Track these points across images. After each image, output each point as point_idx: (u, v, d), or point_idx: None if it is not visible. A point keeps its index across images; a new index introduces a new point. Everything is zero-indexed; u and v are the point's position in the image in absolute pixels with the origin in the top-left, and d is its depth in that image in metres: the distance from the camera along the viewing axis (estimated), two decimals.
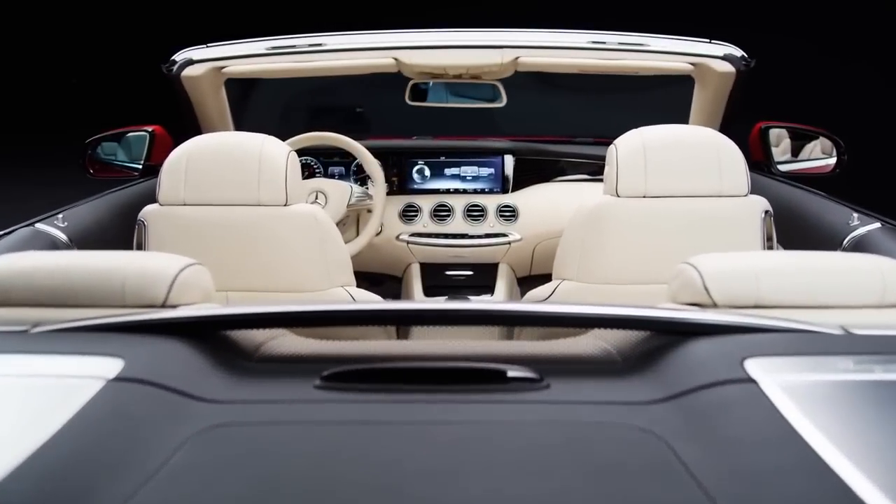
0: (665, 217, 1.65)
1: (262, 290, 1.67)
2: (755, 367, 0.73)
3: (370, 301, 1.80)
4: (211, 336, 0.86)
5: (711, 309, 0.91)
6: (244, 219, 1.63)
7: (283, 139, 2.53)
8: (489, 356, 0.87)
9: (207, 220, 1.63)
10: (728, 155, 1.67)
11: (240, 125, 2.84)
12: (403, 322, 0.90)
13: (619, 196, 1.67)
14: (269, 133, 3.11)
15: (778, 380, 0.71)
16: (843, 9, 5.04)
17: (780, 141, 2.86)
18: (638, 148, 1.67)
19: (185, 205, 1.64)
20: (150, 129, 2.63)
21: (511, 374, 0.76)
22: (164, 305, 0.92)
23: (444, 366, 0.78)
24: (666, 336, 0.84)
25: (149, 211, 1.67)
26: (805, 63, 4.82)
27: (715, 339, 0.81)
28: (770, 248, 1.67)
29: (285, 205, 1.64)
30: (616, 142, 1.73)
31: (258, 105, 3.48)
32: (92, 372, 0.73)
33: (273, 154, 1.65)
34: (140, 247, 1.67)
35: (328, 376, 0.75)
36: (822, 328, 0.85)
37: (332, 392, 0.74)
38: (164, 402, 0.70)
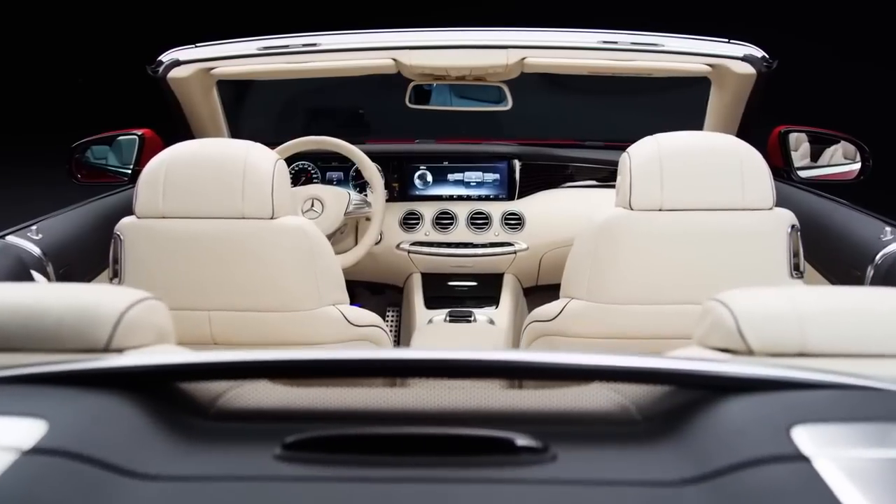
0: (683, 232, 1.52)
1: (246, 310, 1.55)
2: (805, 438, 0.60)
3: (364, 318, 1.68)
4: (161, 388, 0.73)
5: (747, 358, 0.78)
6: (227, 233, 1.51)
7: (281, 142, 2.43)
8: (484, 412, 0.74)
9: (187, 234, 1.51)
10: (751, 164, 1.53)
11: (235, 128, 2.74)
12: (396, 374, 0.76)
13: (632, 209, 1.54)
14: (266, 136, 2.98)
15: (834, 455, 0.58)
16: (856, 8, 4.90)
17: (798, 145, 2.73)
18: (653, 157, 1.54)
19: (163, 217, 1.52)
20: (139, 132, 2.52)
21: (509, 442, 0.63)
22: (106, 349, 0.79)
23: (426, 432, 0.65)
24: (694, 390, 0.72)
25: (125, 224, 1.55)
26: (816, 64, 4.67)
27: (754, 397, 0.67)
28: (797, 265, 1.54)
29: (272, 218, 1.52)
30: (629, 150, 1.60)
31: (254, 107, 3.37)
32: (3, 441, 0.61)
33: (259, 163, 1.53)
34: (116, 262, 1.55)
35: (292, 444, 0.63)
36: (887, 384, 0.71)
37: (295, 465, 0.62)
38: (89, 484, 0.57)
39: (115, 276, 1.56)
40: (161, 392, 0.73)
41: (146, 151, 2.51)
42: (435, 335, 2.19)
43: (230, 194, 1.51)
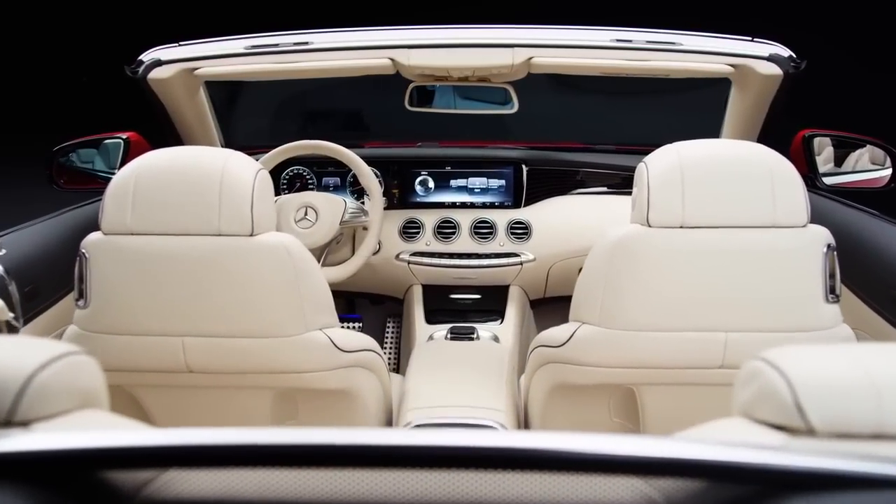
0: (706, 252, 1.37)
1: (223, 336, 1.41)
2: None
3: (355, 342, 1.54)
4: (73, 475, 0.59)
5: (808, 441, 0.63)
6: (202, 251, 1.37)
7: (275, 145, 2.29)
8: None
9: (158, 253, 1.37)
10: (783, 176, 1.38)
11: (227, 131, 2.60)
12: (379, 464, 0.61)
13: (650, 226, 1.39)
14: (261, 139, 2.85)
15: None
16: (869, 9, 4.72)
17: (821, 150, 2.57)
18: (673, 168, 1.39)
19: (132, 234, 1.38)
20: (124, 135, 2.39)
21: None
22: (9, 423, 0.65)
23: None
24: (742, 485, 0.57)
25: (91, 241, 1.41)
26: (829, 65, 4.48)
27: (819, 498, 0.53)
28: (832, 287, 1.39)
29: (251, 235, 1.38)
30: (647, 160, 1.45)
31: (248, 108, 3.23)
32: None
33: (237, 174, 1.39)
34: (81, 282, 1.41)
35: None
36: None
37: None
38: None
39: (81, 296, 1.43)
40: (74, 480, 0.58)
41: (132, 156, 2.37)
42: (434, 356, 2.05)
43: (205, 209, 1.36)
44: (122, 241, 1.38)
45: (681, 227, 1.38)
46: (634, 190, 1.48)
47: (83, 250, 1.41)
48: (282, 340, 1.42)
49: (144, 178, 1.39)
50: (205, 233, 1.37)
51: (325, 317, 1.49)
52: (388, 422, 1.75)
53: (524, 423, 1.77)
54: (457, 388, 1.80)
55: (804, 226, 1.38)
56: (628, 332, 1.41)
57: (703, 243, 1.37)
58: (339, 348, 1.47)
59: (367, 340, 1.61)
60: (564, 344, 1.48)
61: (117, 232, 1.39)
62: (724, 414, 1.51)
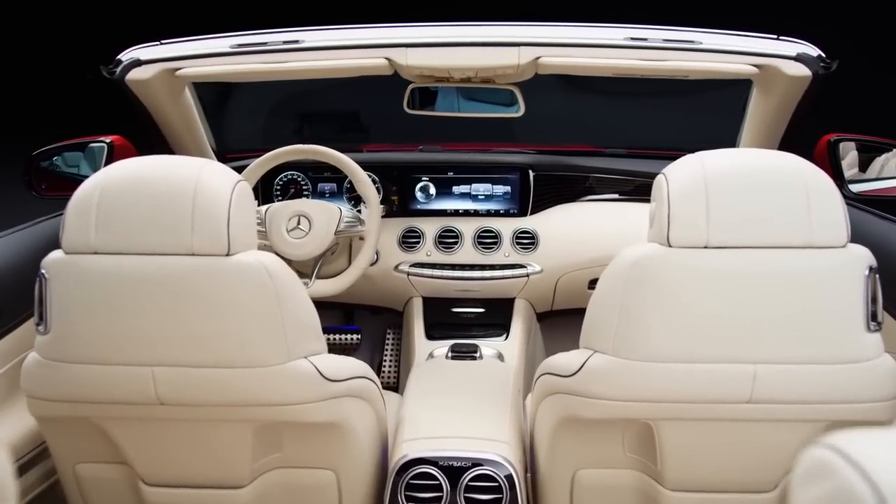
0: (733, 275, 1.23)
1: (197, 366, 1.27)
2: None
3: (345, 370, 1.40)
4: None
5: None
6: (173, 272, 1.24)
7: (269, 149, 2.16)
8: None
9: (125, 274, 1.24)
10: (819, 190, 1.24)
11: (220, 134, 2.47)
12: None
13: (670, 245, 1.25)
14: (254, 142, 2.70)
15: None
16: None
17: (845, 154, 2.43)
18: (696, 181, 1.25)
19: (95, 253, 1.25)
20: (108, 139, 2.26)
21: None
22: None
23: None
24: None
25: (51, 260, 1.28)
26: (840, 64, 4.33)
27: None
28: (874, 314, 1.25)
29: (227, 254, 1.25)
30: (666, 172, 1.31)
31: (240, 110, 3.10)
32: None
33: (212, 187, 1.25)
34: (41, 305, 1.28)
35: None
36: None
37: None
38: None
39: (41, 320, 1.30)
40: None
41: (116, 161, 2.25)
42: (433, 378, 1.91)
43: (176, 226, 1.23)
44: (84, 260, 1.25)
45: (705, 247, 1.24)
46: (652, 205, 1.34)
47: (43, 270, 1.28)
48: (262, 371, 1.29)
49: (109, 191, 1.25)
50: (176, 252, 1.24)
51: (311, 343, 1.35)
52: (384, 452, 1.61)
53: (530, 453, 1.63)
54: (457, 417, 1.67)
55: (843, 246, 1.24)
56: (646, 364, 1.27)
57: (729, 265, 1.23)
58: (326, 378, 1.34)
59: (360, 367, 1.47)
60: (574, 374, 1.34)
61: (79, 251, 1.26)
62: (751, 452, 1.37)
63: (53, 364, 1.30)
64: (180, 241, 1.23)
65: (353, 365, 1.45)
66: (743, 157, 1.29)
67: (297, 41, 1.82)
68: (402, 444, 1.56)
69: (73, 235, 1.26)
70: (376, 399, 1.53)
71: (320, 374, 1.33)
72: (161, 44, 1.85)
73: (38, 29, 5.90)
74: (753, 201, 1.23)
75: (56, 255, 1.28)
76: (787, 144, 2.16)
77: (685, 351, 1.26)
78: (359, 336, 2.73)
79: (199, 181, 1.25)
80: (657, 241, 1.28)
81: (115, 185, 1.26)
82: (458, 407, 1.71)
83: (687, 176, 1.27)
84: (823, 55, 1.76)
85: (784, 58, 1.76)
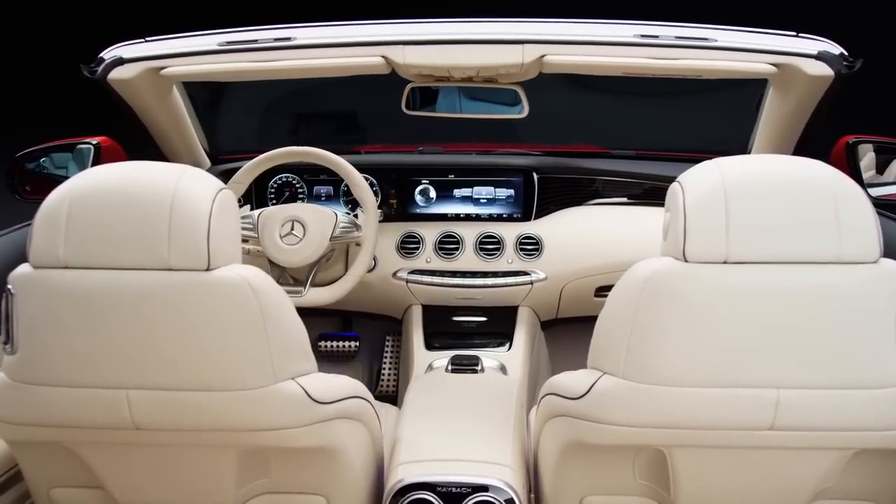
0: (756, 293, 1.13)
1: (175, 389, 1.19)
2: None
3: (336, 391, 1.31)
4: None
5: None
6: (148, 289, 1.15)
7: (263, 150, 2.06)
8: None
9: (96, 291, 1.15)
10: (849, 200, 1.14)
11: (213, 134, 2.39)
12: None
13: (686, 260, 1.15)
14: (249, 143, 2.59)
15: None
16: None
17: (862, 156, 2.34)
18: (715, 190, 1.15)
19: (65, 268, 1.16)
20: (94, 140, 2.17)
21: None
22: None
23: None
24: None
25: (18, 275, 1.19)
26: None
27: None
28: None
29: (207, 269, 1.16)
30: (682, 180, 1.21)
31: (233, 109, 3.01)
32: None
33: (191, 196, 1.16)
34: (7, 322, 1.20)
35: None
36: None
37: None
38: None
39: (8, 339, 1.21)
40: None
41: (103, 164, 2.17)
42: (432, 394, 1.82)
43: (152, 239, 1.14)
44: (53, 275, 1.16)
45: (724, 262, 1.14)
46: (666, 215, 1.24)
47: (9, 286, 1.19)
48: (245, 394, 1.20)
49: (80, 201, 1.16)
50: (152, 267, 1.15)
51: (299, 363, 1.26)
52: (379, 474, 1.52)
53: (534, 476, 1.54)
54: (457, 438, 1.57)
55: (875, 261, 1.14)
56: (659, 388, 1.18)
57: (751, 282, 1.13)
58: (315, 400, 1.25)
59: (353, 385, 1.38)
60: (582, 397, 1.25)
61: (48, 265, 1.17)
62: (771, 481, 1.28)
63: (22, 386, 1.21)
64: (156, 255, 1.14)
65: (345, 384, 1.36)
66: (765, 164, 1.19)
67: (288, 38, 1.74)
68: (397, 467, 1.47)
69: (41, 248, 1.17)
70: (371, 419, 1.44)
71: (308, 396, 1.24)
72: (146, 41, 1.76)
73: (38, 25, 5.83)
74: (777, 212, 1.13)
75: (23, 269, 1.19)
76: (799, 147, 2.06)
77: (702, 374, 1.16)
78: (357, 343, 2.65)
79: (178, 189, 1.16)
80: (672, 255, 1.18)
81: (86, 194, 1.17)
82: (457, 427, 1.62)
83: (704, 184, 1.17)
84: (846, 53, 1.67)
85: (805, 56, 1.66)
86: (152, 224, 1.14)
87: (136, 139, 2.17)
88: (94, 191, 1.17)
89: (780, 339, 1.14)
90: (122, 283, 1.15)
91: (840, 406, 1.17)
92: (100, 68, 1.75)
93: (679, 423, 1.19)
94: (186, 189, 1.17)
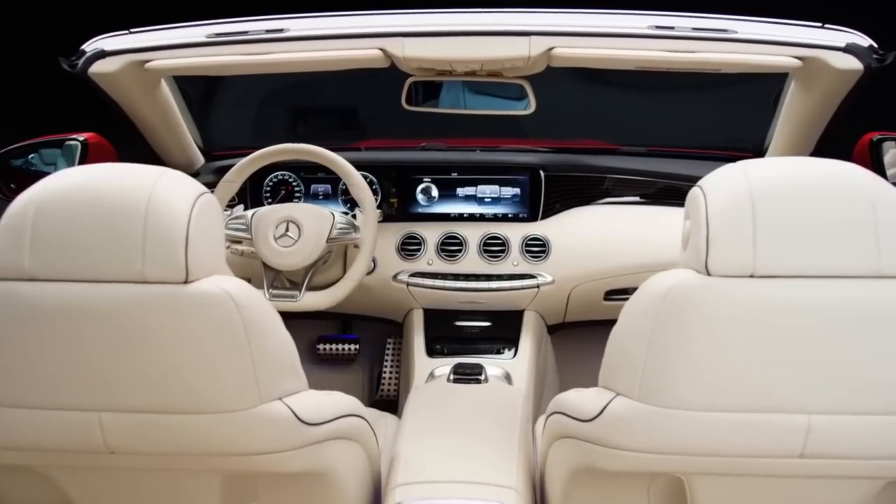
0: (785, 310, 1.03)
1: (151, 411, 1.09)
2: None
3: (328, 410, 1.22)
4: None
5: None
6: (121, 303, 1.05)
7: (258, 147, 1.97)
8: None
9: (64, 305, 1.06)
10: (889, 207, 1.04)
11: (207, 129, 2.30)
12: None
13: (709, 274, 1.05)
14: (244, 139, 2.48)
15: None
16: None
17: (885, 151, 2.24)
18: (741, 195, 1.05)
19: (31, 280, 1.07)
20: (81, 137, 2.09)
21: None
22: None
23: None
24: None
25: None
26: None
27: None
28: None
29: (185, 282, 1.06)
30: (703, 184, 1.11)
31: (227, 104, 2.91)
32: None
33: (168, 202, 1.07)
34: None
35: None
36: None
37: None
38: None
39: None
40: None
41: (89, 163, 2.08)
42: (433, 407, 1.73)
43: (125, 249, 1.05)
44: (17, 288, 1.07)
45: (751, 276, 1.04)
46: (686, 223, 1.14)
47: None
48: (228, 416, 1.10)
49: (47, 207, 1.07)
50: (125, 279, 1.05)
51: (287, 381, 1.17)
52: (376, 495, 1.43)
53: (540, 498, 1.45)
54: (458, 457, 1.48)
55: None
56: (678, 412, 1.08)
57: (780, 298, 1.03)
58: (304, 422, 1.15)
59: (346, 403, 1.29)
60: (593, 420, 1.15)
61: (12, 277, 1.07)
62: None
63: None
64: (129, 267, 1.05)
65: (338, 402, 1.27)
66: (795, 167, 1.09)
67: (281, 30, 1.64)
68: (395, 489, 1.38)
69: (4, 258, 1.07)
70: (367, 438, 1.35)
71: (297, 417, 1.15)
72: (130, 33, 1.67)
73: (37, 16, 5.75)
74: (809, 221, 1.03)
75: None
76: (819, 146, 1.96)
77: (726, 398, 1.06)
78: (357, 346, 2.57)
79: (153, 194, 1.06)
80: (693, 267, 1.08)
81: (53, 199, 1.07)
82: (459, 444, 1.53)
83: (728, 189, 1.07)
84: (875, 45, 1.56)
85: (832, 49, 1.56)
86: (125, 232, 1.05)
87: (131, 136, 2.08)
88: (63, 196, 1.07)
89: (812, 360, 1.04)
90: (92, 296, 1.06)
91: (876, 433, 1.07)
92: (80, 61, 1.66)
93: (699, 449, 1.10)
94: (163, 194, 1.07)
